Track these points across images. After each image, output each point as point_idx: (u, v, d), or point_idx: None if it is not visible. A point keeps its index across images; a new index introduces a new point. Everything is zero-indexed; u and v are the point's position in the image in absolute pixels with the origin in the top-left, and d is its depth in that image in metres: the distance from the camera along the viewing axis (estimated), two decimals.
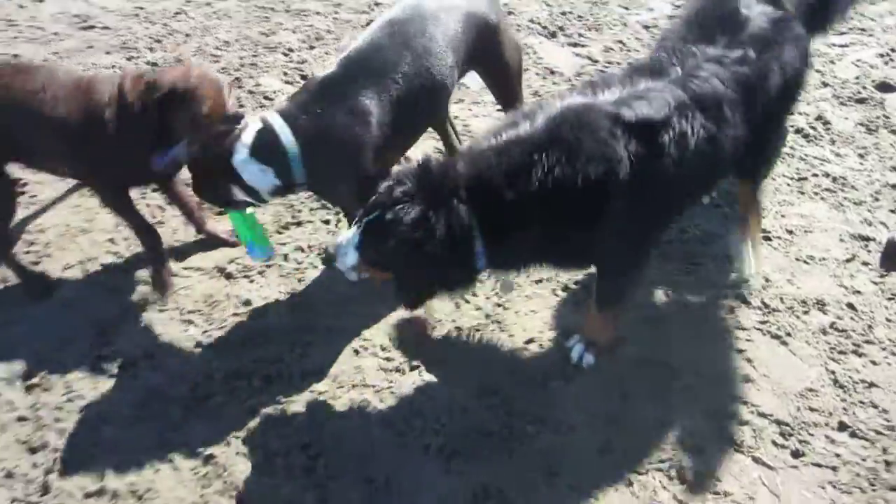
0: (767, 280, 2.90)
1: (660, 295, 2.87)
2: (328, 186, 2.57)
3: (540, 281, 2.91)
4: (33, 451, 2.24)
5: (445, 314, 2.76)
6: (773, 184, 3.35)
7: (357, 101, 2.36)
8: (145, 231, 2.72)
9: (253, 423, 2.34)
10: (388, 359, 2.59)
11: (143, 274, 2.85)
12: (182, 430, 2.32)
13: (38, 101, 2.44)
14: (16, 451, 2.24)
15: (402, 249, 2.02)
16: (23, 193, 3.18)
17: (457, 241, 2.04)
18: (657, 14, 4.91)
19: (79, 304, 2.73)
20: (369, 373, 2.54)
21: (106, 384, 2.44)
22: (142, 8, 4.70)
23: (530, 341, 2.68)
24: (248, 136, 2.32)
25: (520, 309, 2.80)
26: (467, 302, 2.81)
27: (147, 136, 2.37)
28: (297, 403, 2.41)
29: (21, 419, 2.33)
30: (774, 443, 2.36)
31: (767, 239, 3.08)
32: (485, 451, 2.30)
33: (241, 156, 2.31)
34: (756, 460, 2.31)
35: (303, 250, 2.98)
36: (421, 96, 2.51)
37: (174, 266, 2.87)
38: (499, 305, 2.80)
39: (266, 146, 2.32)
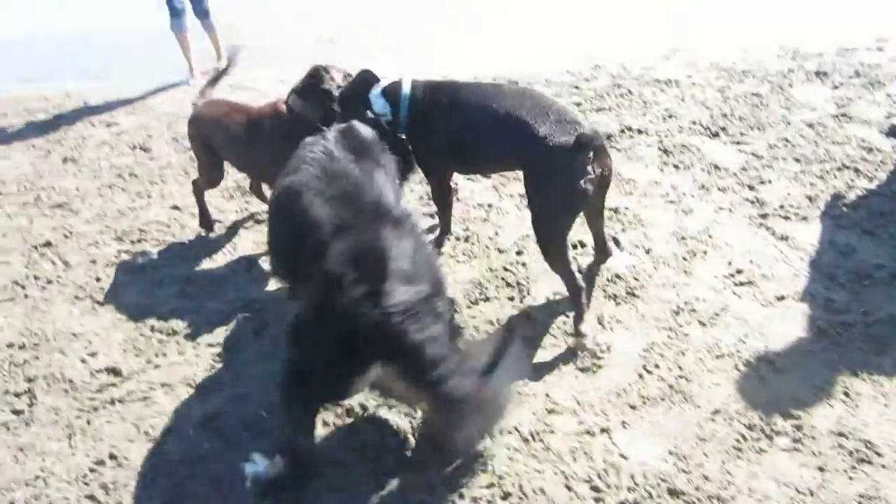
0: None
1: (850, 375, 2.85)
2: (414, 141, 3.36)
3: (722, 356, 2.99)
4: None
5: (630, 383, 2.88)
6: None
7: (450, 106, 3.22)
8: None
9: (457, 473, 2.54)
10: (579, 422, 2.73)
11: None
12: (395, 476, 2.55)
13: (237, 123, 3.69)
14: None
15: None
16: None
17: None
18: (821, 114, 4.99)
19: None
20: (560, 433, 2.69)
21: (329, 431, 2.75)
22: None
23: (717, 412, 2.73)
24: (385, 83, 3.36)
25: (703, 381, 2.88)
26: (650, 373, 2.93)
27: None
28: (495, 457, 2.59)
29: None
30: None
31: None
32: None
33: (376, 91, 3.33)
34: None
35: (491, 323, 3.24)
36: (484, 139, 3.11)
37: None
38: (681, 377, 2.90)
39: (392, 91, 3.32)
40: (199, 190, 4.09)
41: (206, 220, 4.14)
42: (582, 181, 2.86)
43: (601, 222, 3.32)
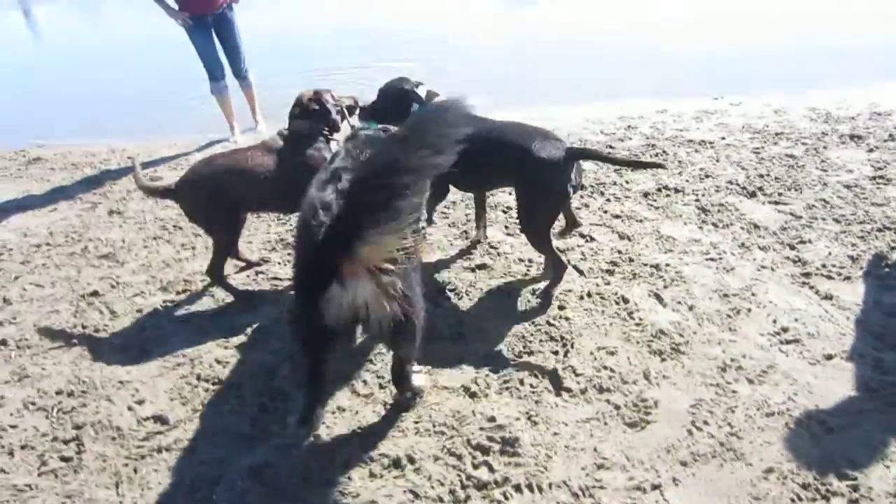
0: None
1: None
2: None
3: (772, 414, 2.95)
4: None
5: (679, 440, 2.85)
6: None
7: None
8: None
9: None
10: (630, 478, 2.69)
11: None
12: None
13: (253, 164, 3.79)
14: None
15: None
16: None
17: None
18: (857, 175, 5.02)
19: (346, 415, 3.11)
20: (610, 488, 2.65)
21: (377, 483, 2.74)
22: None
23: (770, 471, 2.69)
24: (425, 89, 4.02)
25: (754, 439, 2.84)
26: (699, 430, 2.89)
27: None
28: None
29: None
30: None
31: None
32: None
33: (424, 87, 4.00)
34: None
35: (537, 377, 3.23)
36: (487, 162, 3.56)
37: (429, 382, 3.21)
38: (732, 434, 2.86)
39: (430, 94, 3.98)
40: (218, 271, 4.00)
41: (241, 296, 4.07)
42: (568, 186, 3.50)
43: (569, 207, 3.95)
